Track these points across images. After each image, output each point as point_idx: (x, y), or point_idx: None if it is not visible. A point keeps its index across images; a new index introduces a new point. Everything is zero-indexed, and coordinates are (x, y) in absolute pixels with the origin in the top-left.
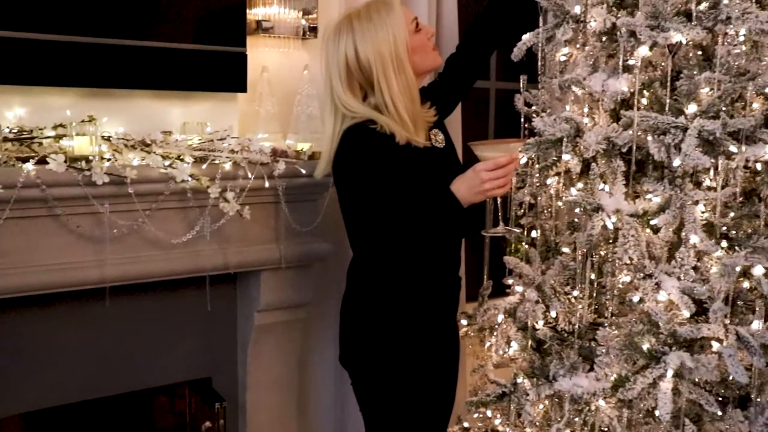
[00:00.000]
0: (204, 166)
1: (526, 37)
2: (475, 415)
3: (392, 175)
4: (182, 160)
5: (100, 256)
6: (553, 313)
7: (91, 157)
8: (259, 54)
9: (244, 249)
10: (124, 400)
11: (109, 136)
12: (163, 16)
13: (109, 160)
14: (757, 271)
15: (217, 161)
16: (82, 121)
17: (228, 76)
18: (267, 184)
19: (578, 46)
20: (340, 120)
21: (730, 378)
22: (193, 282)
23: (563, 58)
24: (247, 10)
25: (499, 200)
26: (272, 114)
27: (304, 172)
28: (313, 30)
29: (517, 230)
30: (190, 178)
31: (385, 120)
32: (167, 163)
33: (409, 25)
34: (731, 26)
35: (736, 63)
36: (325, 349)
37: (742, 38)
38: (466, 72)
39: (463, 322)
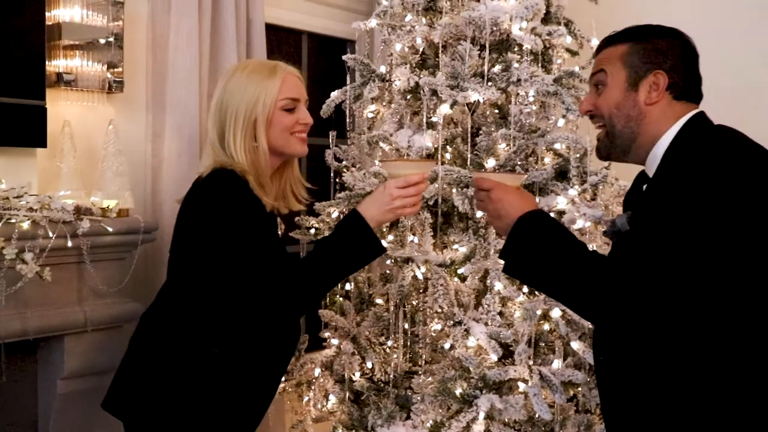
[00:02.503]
0: None
1: (334, 94)
2: None
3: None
4: None
5: None
6: (369, 364)
7: None
8: (61, 108)
9: (45, 313)
10: None
11: None
12: None
13: None
14: (555, 313)
15: (13, 220)
16: None
17: (25, 130)
18: (70, 244)
19: (385, 103)
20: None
21: (536, 416)
22: None
23: (371, 115)
24: (47, 62)
25: (408, 221)
26: (75, 170)
27: (110, 230)
28: (119, 84)
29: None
30: None
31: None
32: None
33: (280, 101)
34: (522, 87)
35: (528, 121)
36: None
37: (532, 98)
38: None
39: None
